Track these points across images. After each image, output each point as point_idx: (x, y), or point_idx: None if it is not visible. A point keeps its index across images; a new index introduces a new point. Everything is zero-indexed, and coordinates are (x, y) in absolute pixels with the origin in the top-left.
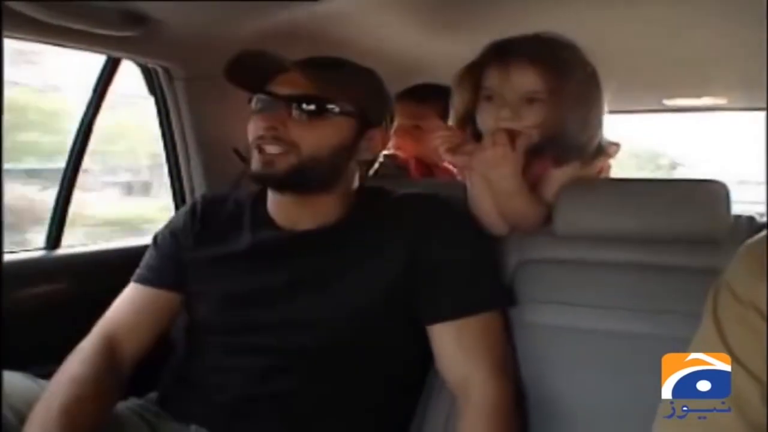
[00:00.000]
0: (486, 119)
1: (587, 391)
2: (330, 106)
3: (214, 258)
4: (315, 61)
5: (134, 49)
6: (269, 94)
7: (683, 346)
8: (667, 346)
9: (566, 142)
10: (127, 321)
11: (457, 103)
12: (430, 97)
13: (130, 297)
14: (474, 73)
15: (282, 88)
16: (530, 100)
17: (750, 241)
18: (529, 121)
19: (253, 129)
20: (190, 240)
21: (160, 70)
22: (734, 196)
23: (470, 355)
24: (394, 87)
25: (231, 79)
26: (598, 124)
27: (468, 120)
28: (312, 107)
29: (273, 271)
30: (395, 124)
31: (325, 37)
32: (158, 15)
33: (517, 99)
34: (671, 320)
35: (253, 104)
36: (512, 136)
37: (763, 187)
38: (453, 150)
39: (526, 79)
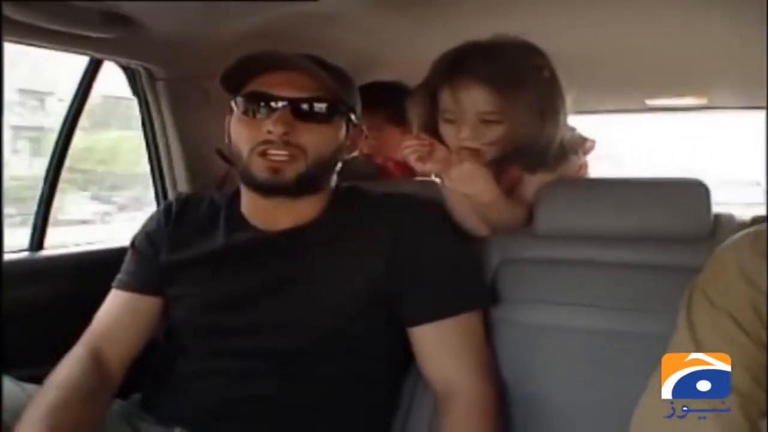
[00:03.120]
0: (448, 139)
1: (569, 388)
2: (336, 108)
3: (189, 260)
4: (310, 60)
5: (116, 50)
6: (276, 98)
7: (664, 343)
8: (648, 344)
9: (526, 151)
10: (111, 329)
11: (415, 121)
12: (379, 103)
13: (113, 304)
14: (427, 92)
15: (284, 89)
16: (487, 120)
17: (722, 245)
18: (489, 139)
19: (254, 133)
20: (165, 242)
21: (142, 71)
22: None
23: (452, 356)
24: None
25: (226, 82)
26: (557, 129)
27: (429, 133)
28: (323, 110)
29: (250, 273)
30: None
31: (300, 36)
32: (140, 16)
33: (474, 119)
34: (652, 318)
35: (242, 106)
36: (477, 152)
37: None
38: (424, 159)
39: (478, 101)
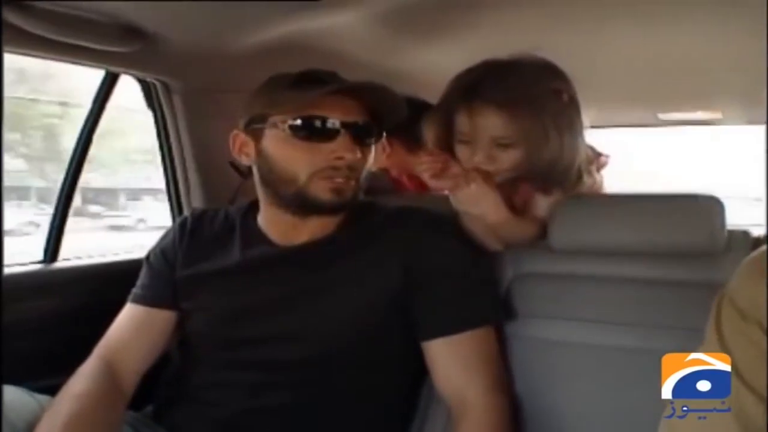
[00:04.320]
0: (463, 160)
1: (582, 404)
2: (380, 130)
3: (205, 275)
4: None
5: (132, 63)
6: (341, 123)
7: None
8: (661, 360)
9: (544, 174)
10: (125, 342)
11: (431, 141)
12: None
13: (127, 317)
14: (443, 113)
15: (344, 114)
16: (502, 145)
17: (752, 255)
18: (504, 165)
19: (315, 158)
20: (180, 257)
21: (158, 85)
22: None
23: (466, 370)
24: None
25: (282, 102)
26: (576, 153)
27: (445, 152)
28: (373, 133)
29: (267, 286)
30: None
31: (313, 50)
32: (156, 30)
33: (490, 143)
34: (667, 334)
35: (299, 130)
36: (487, 174)
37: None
38: (438, 176)
39: (494, 126)
